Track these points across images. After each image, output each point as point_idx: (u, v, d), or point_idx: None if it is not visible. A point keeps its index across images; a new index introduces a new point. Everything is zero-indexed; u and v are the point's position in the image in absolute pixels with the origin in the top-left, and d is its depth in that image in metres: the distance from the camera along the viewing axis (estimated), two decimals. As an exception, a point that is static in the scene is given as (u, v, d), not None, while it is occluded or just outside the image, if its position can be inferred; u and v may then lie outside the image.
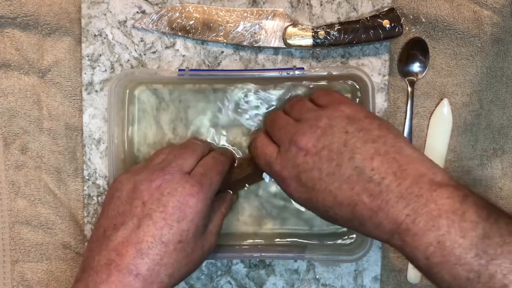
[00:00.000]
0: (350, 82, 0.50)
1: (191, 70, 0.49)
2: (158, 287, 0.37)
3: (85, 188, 0.51)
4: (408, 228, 0.33)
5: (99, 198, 0.51)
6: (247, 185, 0.51)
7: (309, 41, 0.49)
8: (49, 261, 0.52)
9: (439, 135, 0.51)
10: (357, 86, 0.49)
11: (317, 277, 0.52)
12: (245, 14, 0.50)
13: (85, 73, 0.50)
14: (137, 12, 0.50)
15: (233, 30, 0.49)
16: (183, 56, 0.50)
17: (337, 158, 0.37)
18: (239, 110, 0.50)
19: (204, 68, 0.50)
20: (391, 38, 0.49)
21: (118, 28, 0.50)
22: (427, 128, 0.52)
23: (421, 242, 0.33)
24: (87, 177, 0.51)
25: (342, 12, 0.50)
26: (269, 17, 0.50)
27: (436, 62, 0.51)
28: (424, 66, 0.51)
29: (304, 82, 0.50)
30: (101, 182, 0.51)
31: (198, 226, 0.40)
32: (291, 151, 0.39)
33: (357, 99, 0.49)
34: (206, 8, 0.50)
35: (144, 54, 0.50)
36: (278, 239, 0.51)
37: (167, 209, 0.38)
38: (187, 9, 0.50)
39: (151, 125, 0.51)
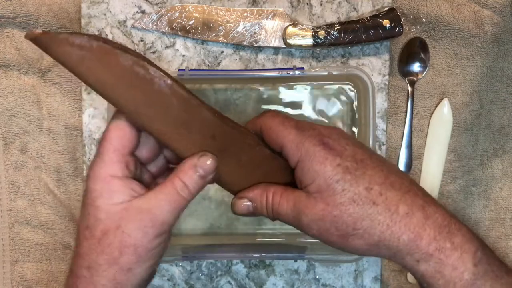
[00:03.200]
0: (350, 82, 0.50)
1: (191, 70, 0.49)
2: None
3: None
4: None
5: (99, 198, 0.51)
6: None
7: (309, 41, 0.48)
8: (49, 261, 0.52)
9: (439, 135, 0.51)
10: (358, 86, 0.49)
11: (317, 277, 0.52)
12: (245, 14, 0.50)
13: (85, 73, 0.50)
14: (137, 12, 0.50)
15: (233, 30, 0.49)
16: (183, 56, 0.50)
17: None
18: (239, 109, 0.50)
19: (204, 68, 0.50)
20: (391, 38, 0.49)
21: (118, 28, 0.50)
22: (427, 128, 0.52)
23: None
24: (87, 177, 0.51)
25: (342, 12, 0.50)
26: (269, 17, 0.49)
27: (437, 62, 0.51)
28: (424, 66, 0.51)
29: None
30: (101, 182, 0.51)
31: None
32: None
33: (357, 99, 0.49)
34: (206, 8, 0.50)
35: (144, 54, 0.50)
36: (278, 239, 0.51)
37: None
38: (187, 9, 0.49)
39: (151, 125, 0.50)
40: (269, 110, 0.41)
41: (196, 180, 0.35)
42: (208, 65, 0.50)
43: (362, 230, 0.33)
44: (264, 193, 0.37)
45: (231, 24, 0.49)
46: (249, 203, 0.38)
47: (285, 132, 0.36)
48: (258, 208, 0.37)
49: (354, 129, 0.50)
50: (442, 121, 0.51)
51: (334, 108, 0.50)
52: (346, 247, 0.35)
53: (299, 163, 0.35)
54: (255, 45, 0.49)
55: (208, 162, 0.35)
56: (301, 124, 0.37)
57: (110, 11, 0.50)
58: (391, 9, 0.49)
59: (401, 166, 0.51)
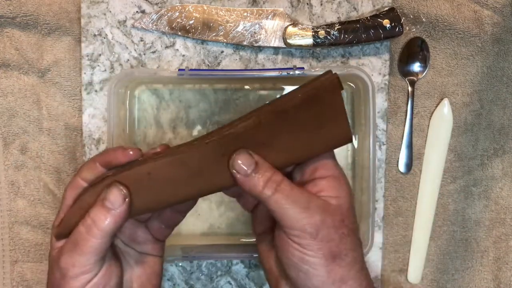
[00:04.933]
0: (350, 82, 0.50)
1: (191, 70, 0.49)
2: None
3: (84, 188, 0.51)
4: None
5: (99, 198, 0.51)
6: None
7: (309, 41, 0.48)
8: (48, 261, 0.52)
9: (439, 135, 0.51)
10: (358, 86, 0.49)
11: (317, 277, 0.52)
12: (245, 14, 0.49)
13: (84, 73, 0.50)
14: (137, 11, 0.50)
15: (233, 30, 0.49)
16: (183, 56, 0.50)
17: None
18: (239, 109, 0.50)
19: (204, 68, 0.50)
20: (392, 38, 0.49)
21: (118, 27, 0.50)
22: (428, 128, 0.52)
23: None
24: (86, 177, 0.51)
25: (342, 12, 0.50)
26: (269, 16, 0.49)
27: (437, 61, 0.51)
28: (424, 66, 0.51)
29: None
30: (101, 182, 0.51)
31: None
32: None
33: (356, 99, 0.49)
34: (206, 8, 0.50)
35: (144, 54, 0.50)
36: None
37: None
38: (187, 9, 0.49)
39: (151, 125, 0.50)
40: None
41: (106, 215, 0.34)
42: (208, 65, 0.50)
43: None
44: (273, 171, 0.35)
45: (231, 24, 0.49)
46: (251, 162, 0.35)
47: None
48: (254, 174, 0.35)
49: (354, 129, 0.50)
50: (442, 121, 0.51)
51: (334, 108, 0.50)
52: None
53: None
54: (255, 45, 0.49)
55: (113, 195, 0.34)
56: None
57: (110, 11, 0.50)
58: (391, 9, 0.49)
59: (401, 166, 0.51)
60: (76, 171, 0.37)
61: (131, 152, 0.36)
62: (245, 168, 0.34)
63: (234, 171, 0.35)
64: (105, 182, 0.35)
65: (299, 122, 0.35)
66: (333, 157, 0.38)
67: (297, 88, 0.36)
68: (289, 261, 0.35)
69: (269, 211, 0.35)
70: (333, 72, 0.35)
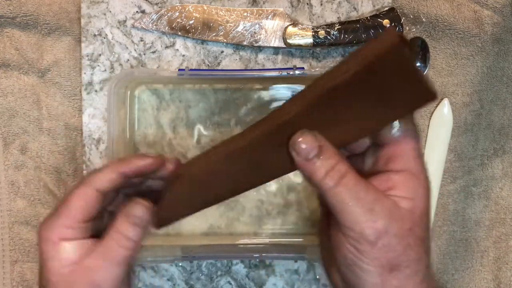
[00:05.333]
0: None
1: (191, 70, 0.49)
2: None
3: (84, 188, 0.51)
4: None
5: (99, 198, 0.51)
6: None
7: (309, 41, 0.48)
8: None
9: (439, 135, 0.51)
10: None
11: (317, 277, 0.52)
12: (245, 14, 0.49)
13: (84, 73, 0.50)
14: (137, 11, 0.50)
15: (233, 30, 0.49)
16: (183, 56, 0.50)
17: None
18: (239, 109, 0.50)
19: (204, 68, 0.50)
20: (392, 38, 0.49)
21: (118, 27, 0.50)
22: (428, 128, 0.52)
23: None
24: (86, 177, 0.51)
25: (342, 12, 0.50)
26: (269, 16, 0.49)
27: (437, 61, 0.51)
28: (424, 65, 0.51)
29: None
30: (101, 182, 0.51)
31: None
32: None
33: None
34: (206, 8, 0.50)
35: (144, 54, 0.50)
36: (278, 239, 0.51)
37: None
38: (187, 9, 0.49)
39: (151, 125, 0.50)
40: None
41: (133, 229, 0.33)
42: (208, 65, 0.50)
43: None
44: (341, 158, 0.31)
45: (231, 24, 0.49)
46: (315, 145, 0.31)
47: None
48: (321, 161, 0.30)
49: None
50: (442, 121, 0.51)
51: (334, 108, 0.50)
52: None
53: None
54: (255, 45, 0.49)
55: (139, 210, 0.34)
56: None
57: (110, 11, 0.50)
58: (391, 9, 0.49)
59: (401, 166, 0.51)
60: (82, 179, 0.35)
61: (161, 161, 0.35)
62: (307, 151, 0.30)
63: (294, 152, 0.31)
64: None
65: (361, 94, 0.30)
66: (415, 146, 0.31)
67: (350, 56, 0.30)
68: (342, 259, 0.31)
69: (327, 205, 0.31)
70: (393, 31, 0.29)
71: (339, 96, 0.30)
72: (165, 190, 0.36)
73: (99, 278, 0.33)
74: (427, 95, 0.30)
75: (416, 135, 0.32)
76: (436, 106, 0.51)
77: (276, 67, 0.50)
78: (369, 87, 0.29)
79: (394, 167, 0.31)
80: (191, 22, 0.49)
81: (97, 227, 0.35)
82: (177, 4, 0.50)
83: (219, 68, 0.50)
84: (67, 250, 0.33)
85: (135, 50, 0.50)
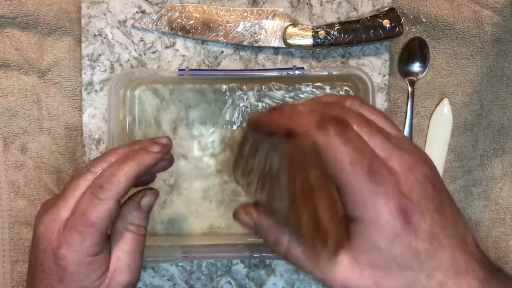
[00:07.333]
0: (350, 82, 0.50)
1: (191, 70, 0.49)
2: None
3: (85, 188, 0.51)
4: None
5: (99, 198, 0.51)
6: None
7: (309, 41, 0.48)
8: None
9: (439, 135, 0.51)
10: (358, 86, 0.49)
11: (317, 277, 0.52)
12: (245, 14, 0.50)
13: (85, 73, 0.50)
14: (137, 12, 0.50)
15: (233, 30, 0.49)
16: (183, 56, 0.50)
17: None
18: (240, 109, 0.50)
19: (204, 68, 0.50)
20: (391, 38, 0.49)
21: (118, 28, 0.50)
22: (427, 128, 0.52)
23: None
24: (87, 177, 0.51)
25: (342, 12, 0.50)
26: (269, 17, 0.49)
27: (437, 62, 0.51)
28: (424, 66, 0.51)
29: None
30: (101, 182, 0.51)
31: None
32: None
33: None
34: (206, 8, 0.50)
35: (144, 54, 0.50)
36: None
37: None
38: (187, 9, 0.49)
39: (151, 125, 0.50)
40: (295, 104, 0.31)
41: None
42: (208, 65, 0.50)
43: None
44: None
45: (231, 24, 0.49)
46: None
47: (350, 176, 0.27)
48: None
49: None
50: (442, 121, 0.51)
51: (334, 108, 0.50)
52: None
53: (358, 223, 0.28)
54: (255, 45, 0.49)
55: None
56: (376, 167, 0.28)
57: (110, 11, 0.50)
58: (391, 9, 0.49)
59: (401, 166, 0.51)
60: (93, 183, 0.36)
61: (164, 141, 0.38)
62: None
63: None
64: None
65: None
66: (362, 169, 0.28)
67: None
68: None
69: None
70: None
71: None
72: None
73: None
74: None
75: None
76: (436, 106, 0.51)
77: (276, 67, 0.50)
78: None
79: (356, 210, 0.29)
80: (191, 22, 0.49)
81: None
82: (177, 4, 0.50)
83: (219, 68, 0.50)
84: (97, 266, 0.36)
85: (135, 50, 0.50)
